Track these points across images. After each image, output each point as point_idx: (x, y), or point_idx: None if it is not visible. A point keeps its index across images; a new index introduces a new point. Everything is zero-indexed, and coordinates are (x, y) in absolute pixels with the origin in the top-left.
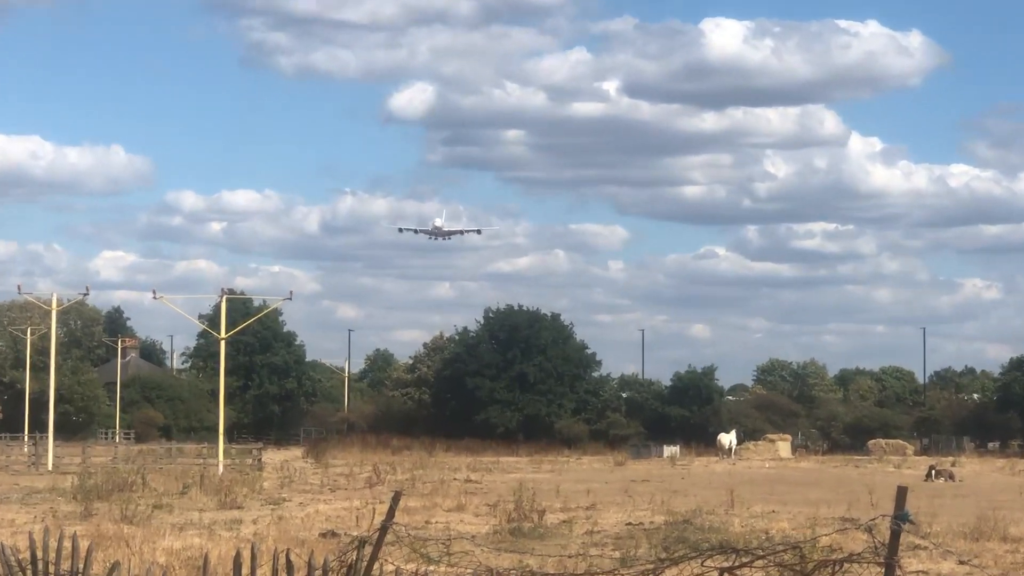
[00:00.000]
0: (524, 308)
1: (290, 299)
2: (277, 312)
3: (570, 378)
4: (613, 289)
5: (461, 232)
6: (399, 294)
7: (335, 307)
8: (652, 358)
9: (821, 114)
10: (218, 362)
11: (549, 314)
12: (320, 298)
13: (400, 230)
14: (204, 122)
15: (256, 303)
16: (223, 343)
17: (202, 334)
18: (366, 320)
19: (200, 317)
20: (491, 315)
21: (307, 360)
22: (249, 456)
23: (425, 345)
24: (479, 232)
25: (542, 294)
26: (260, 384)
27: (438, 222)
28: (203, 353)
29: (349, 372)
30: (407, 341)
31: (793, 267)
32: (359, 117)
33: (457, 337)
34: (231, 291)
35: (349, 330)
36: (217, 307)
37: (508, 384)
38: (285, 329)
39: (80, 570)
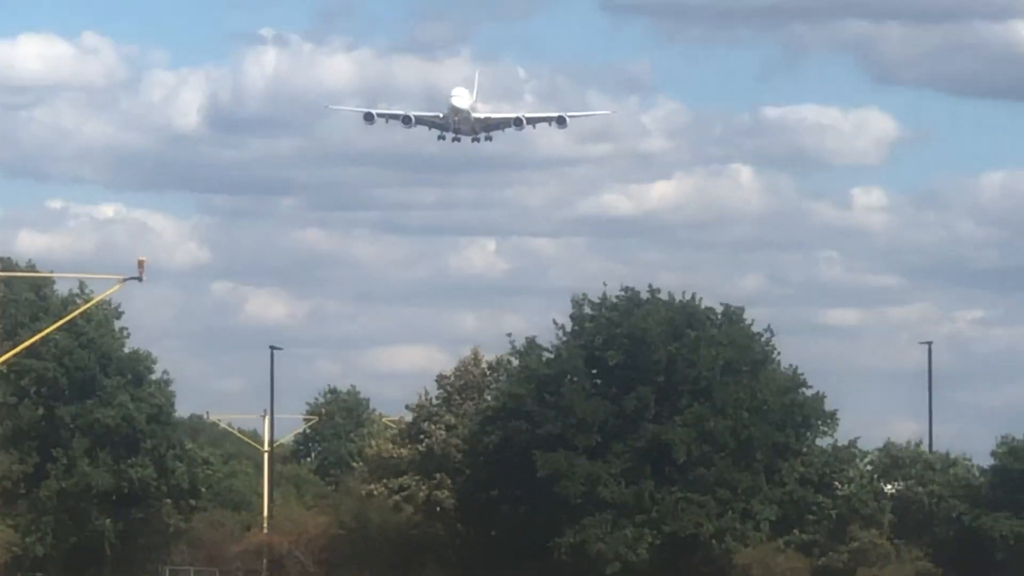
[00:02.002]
0: (663, 296)
1: (140, 279)
2: (109, 310)
3: (767, 450)
4: (863, 252)
5: (517, 122)
6: (380, 267)
7: (242, 297)
8: (948, 407)
9: None
10: None
11: (719, 309)
12: (209, 277)
13: (370, 118)
14: None
15: (61, 289)
16: None
17: None
18: (310, 327)
19: None
20: (588, 313)
21: (178, 417)
22: None
23: (442, 381)
24: (561, 122)
25: (702, 265)
26: (69, 468)
27: (460, 100)
28: None
29: (272, 443)
30: (400, 373)
31: None
32: None
33: (515, 362)
34: (7, 262)
35: (272, 347)
36: None
37: (629, 466)
38: (129, 348)
39: None
